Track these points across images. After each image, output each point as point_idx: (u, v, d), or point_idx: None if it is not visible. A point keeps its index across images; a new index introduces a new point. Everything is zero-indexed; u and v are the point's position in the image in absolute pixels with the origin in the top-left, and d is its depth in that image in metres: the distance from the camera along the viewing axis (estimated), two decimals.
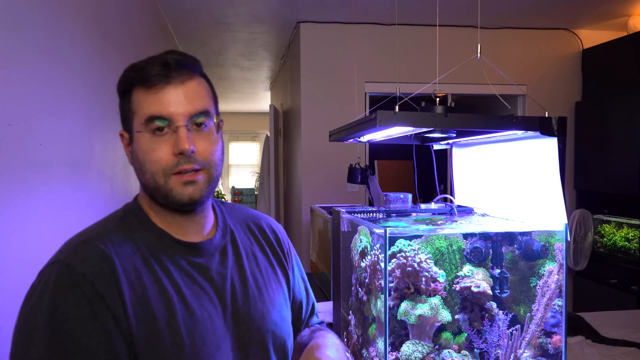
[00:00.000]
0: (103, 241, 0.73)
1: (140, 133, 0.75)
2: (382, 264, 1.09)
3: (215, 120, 0.78)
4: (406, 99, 1.35)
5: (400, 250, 1.13)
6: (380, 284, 1.13)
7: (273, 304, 0.86)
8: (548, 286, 1.17)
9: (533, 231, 1.21)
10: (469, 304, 1.17)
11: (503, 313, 1.16)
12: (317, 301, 1.11)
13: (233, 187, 8.52)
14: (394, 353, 1.11)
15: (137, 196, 0.84)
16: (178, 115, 0.73)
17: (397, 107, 1.14)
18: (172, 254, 0.77)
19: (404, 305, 1.12)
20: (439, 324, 1.13)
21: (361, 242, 1.32)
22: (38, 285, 0.69)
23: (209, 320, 0.76)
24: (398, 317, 1.11)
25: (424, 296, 1.12)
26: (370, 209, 1.50)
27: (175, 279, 0.75)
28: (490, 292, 1.16)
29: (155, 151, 0.74)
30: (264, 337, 0.82)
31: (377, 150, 4.27)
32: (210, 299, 0.78)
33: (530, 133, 1.13)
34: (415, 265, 1.11)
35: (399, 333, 1.13)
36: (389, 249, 1.09)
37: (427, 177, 1.99)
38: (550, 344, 1.19)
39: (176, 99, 0.74)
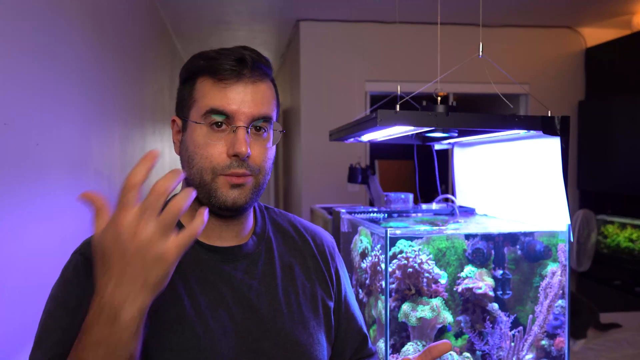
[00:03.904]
0: None
1: (197, 124, 0.71)
2: (383, 265, 1.08)
3: (274, 129, 0.75)
4: (407, 98, 1.34)
5: (401, 251, 1.11)
6: (381, 285, 1.12)
7: (304, 323, 0.78)
8: (551, 287, 1.16)
9: (535, 232, 1.19)
10: (470, 305, 1.16)
11: (505, 315, 1.15)
12: None
13: None
14: (395, 355, 1.10)
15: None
16: (241, 114, 0.70)
17: (398, 106, 1.12)
18: (195, 257, 0.74)
19: (405, 306, 1.10)
20: (440, 326, 1.11)
21: (362, 242, 1.30)
22: (60, 275, 0.72)
23: (222, 330, 0.71)
24: (399, 319, 1.10)
25: (425, 297, 1.11)
26: (371, 209, 1.48)
27: (192, 285, 0.72)
28: (492, 293, 1.15)
29: (209, 147, 0.70)
30: (289, 358, 0.75)
31: (378, 150, 4.26)
32: (229, 310, 0.73)
33: (532, 132, 1.11)
34: (417, 266, 1.10)
35: (400, 335, 1.12)
36: (390, 250, 1.08)
37: (429, 177, 1.98)
38: (553, 346, 1.17)
39: (243, 98, 0.71)
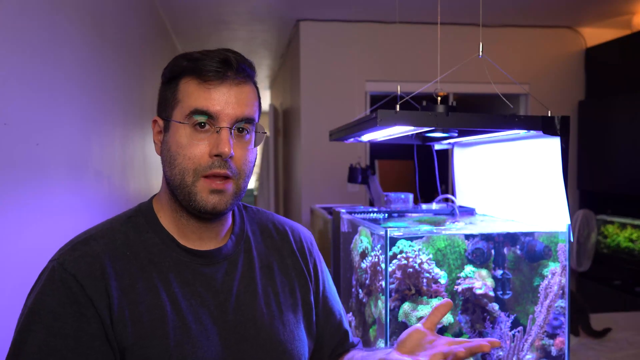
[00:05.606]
0: (101, 242, 0.72)
1: (180, 124, 0.72)
2: (383, 265, 1.08)
3: (257, 131, 0.76)
4: (407, 98, 1.33)
5: (402, 251, 1.11)
6: (381, 285, 1.12)
7: (284, 322, 0.79)
8: (551, 287, 1.16)
9: (536, 232, 1.19)
10: (470, 305, 1.16)
11: (505, 315, 1.15)
12: None
13: None
14: None
15: (153, 195, 0.81)
16: (225, 115, 0.71)
17: (398, 106, 1.12)
18: (175, 260, 0.74)
19: (405, 306, 1.10)
20: (440, 326, 1.11)
21: (362, 242, 1.30)
22: (35, 283, 0.70)
23: (204, 334, 0.72)
24: (399, 319, 1.10)
25: (425, 297, 1.11)
26: (371, 209, 1.48)
27: (173, 289, 0.72)
28: (492, 293, 1.15)
29: (192, 147, 0.71)
30: (270, 358, 0.76)
31: (378, 149, 4.26)
32: (210, 313, 0.73)
33: (532, 132, 1.11)
34: (417, 266, 1.10)
35: (400, 335, 1.12)
36: (390, 250, 1.07)
37: (429, 177, 1.98)
38: (553, 345, 1.17)
39: (227, 99, 0.71)
